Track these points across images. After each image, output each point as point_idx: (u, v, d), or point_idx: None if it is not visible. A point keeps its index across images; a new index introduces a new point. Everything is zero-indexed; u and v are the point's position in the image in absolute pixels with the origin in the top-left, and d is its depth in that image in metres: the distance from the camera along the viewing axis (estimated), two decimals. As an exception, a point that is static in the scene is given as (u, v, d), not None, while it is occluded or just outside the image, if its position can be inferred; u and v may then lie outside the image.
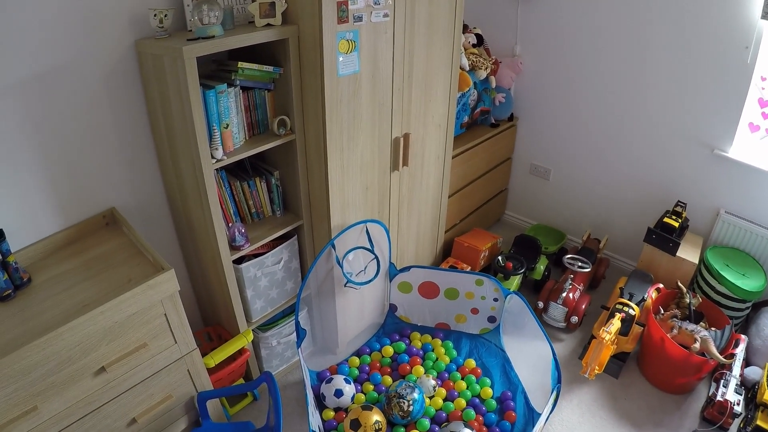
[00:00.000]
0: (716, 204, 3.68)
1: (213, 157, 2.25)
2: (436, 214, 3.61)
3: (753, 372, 3.31)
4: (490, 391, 3.01)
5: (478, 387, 3.04)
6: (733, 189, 3.58)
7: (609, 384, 3.29)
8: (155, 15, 2.12)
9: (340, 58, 2.34)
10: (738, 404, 3.02)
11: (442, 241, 3.83)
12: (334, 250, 2.79)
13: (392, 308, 3.46)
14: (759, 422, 2.96)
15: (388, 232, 3.08)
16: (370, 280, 3.01)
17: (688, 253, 3.60)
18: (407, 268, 3.30)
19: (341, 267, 2.84)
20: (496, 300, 3.29)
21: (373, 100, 2.64)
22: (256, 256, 2.69)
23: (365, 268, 3.05)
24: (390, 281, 3.33)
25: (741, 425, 3.09)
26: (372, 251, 3.00)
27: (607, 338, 2.95)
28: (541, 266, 3.82)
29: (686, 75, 3.44)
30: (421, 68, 2.89)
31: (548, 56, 3.97)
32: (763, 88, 3.31)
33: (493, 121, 4.10)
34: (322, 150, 2.50)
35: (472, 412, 2.85)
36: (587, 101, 3.91)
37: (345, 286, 2.95)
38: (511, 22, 4.02)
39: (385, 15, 2.49)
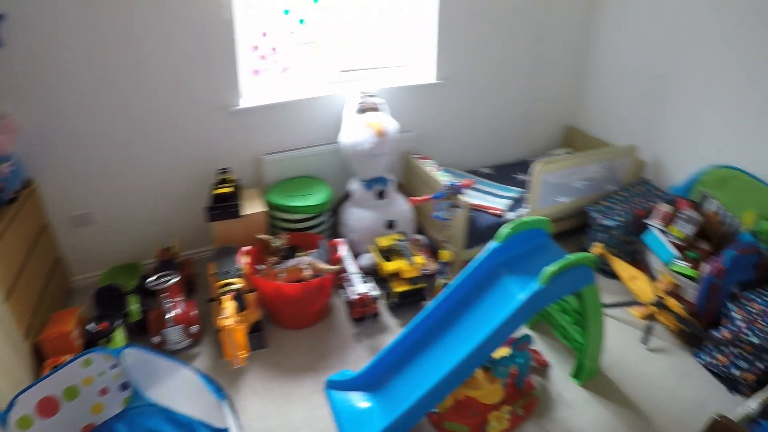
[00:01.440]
0: (255, 152, 4.07)
1: None
2: (2, 329, 3.14)
3: (366, 259, 3.87)
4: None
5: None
6: (263, 133, 4.01)
7: (264, 356, 3.47)
8: None
9: None
10: (374, 290, 3.55)
11: (27, 351, 3.36)
12: None
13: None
14: (395, 290, 3.60)
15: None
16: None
17: (255, 206, 3.93)
18: (11, 404, 2.81)
19: None
20: (114, 366, 3.06)
21: None
22: None
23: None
24: (6, 428, 2.84)
25: (386, 302, 3.68)
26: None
27: (228, 323, 3.02)
28: (134, 305, 3.68)
29: (179, 60, 3.72)
30: None
31: (45, 100, 3.67)
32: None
33: (10, 196, 3.61)
34: None
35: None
36: (98, 126, 3.82)
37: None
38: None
39: None
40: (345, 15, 4.07)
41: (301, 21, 3.99)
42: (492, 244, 3.01)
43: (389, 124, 3.91)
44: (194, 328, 3.48)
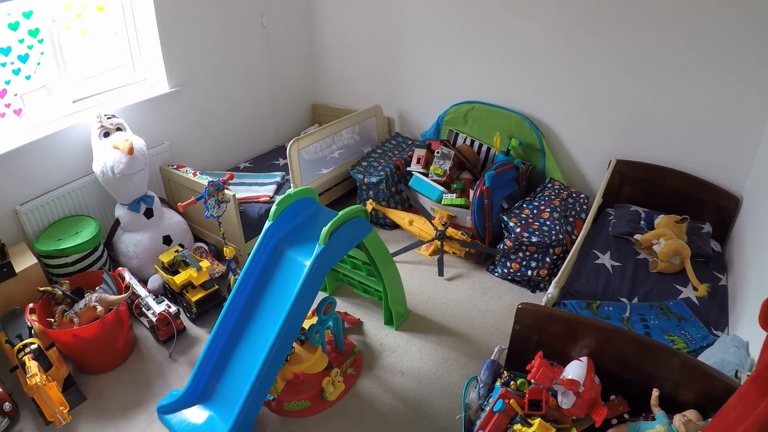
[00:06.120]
0: (7, 205, 4.02)
1: None
2: None
3: (155, 280, 4.19)
4: None
5: None
6: (9, 183, 4.00)
7: (87, 408, 3.50)
8: None
9: None
10: (171, 307, 3.86)
11: None
12: None
13: None
14: (192, 299, 3.98)
15: None
16: None
17: (26, 260, 3.92)
18: None
19: None
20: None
21: None
22: None
23: None
24: None
25: (188, 314, 4.09)
26: None
27: (37, 381, 3.07)
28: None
29: None
30: None
31: None
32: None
33: None
34: None
35: None
36: None
37: None
38: None
39: None
40: (64, 44, 4.13)
41: (24, 57, 3.99)
42: (266, 225, 3.38)
43: (136, 140, 4.13)
44: (7, 406, 3.36)
